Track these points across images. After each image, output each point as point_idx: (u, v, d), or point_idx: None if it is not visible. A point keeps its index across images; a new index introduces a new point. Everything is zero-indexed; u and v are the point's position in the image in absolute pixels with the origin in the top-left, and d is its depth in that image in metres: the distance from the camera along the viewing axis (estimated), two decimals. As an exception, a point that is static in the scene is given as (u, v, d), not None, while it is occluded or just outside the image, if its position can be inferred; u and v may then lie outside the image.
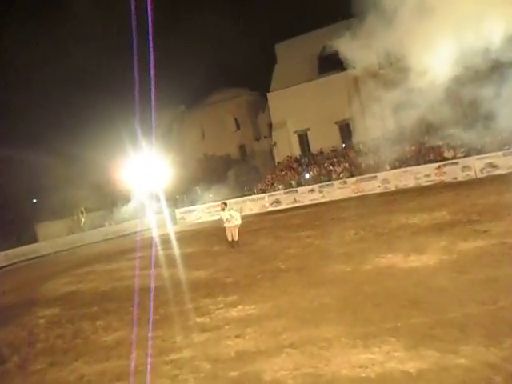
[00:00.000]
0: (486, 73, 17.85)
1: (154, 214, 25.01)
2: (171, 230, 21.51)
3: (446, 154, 20.85)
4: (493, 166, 18.52)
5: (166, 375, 4.59)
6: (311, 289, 6.68)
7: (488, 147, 19.55)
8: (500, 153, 18.63)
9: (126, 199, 28.78)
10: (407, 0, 13.45)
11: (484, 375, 3.50)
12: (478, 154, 19.39)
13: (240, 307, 6.47)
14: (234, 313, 6.28)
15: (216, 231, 18.23)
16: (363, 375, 3.87)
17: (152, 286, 8.71)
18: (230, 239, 11.96)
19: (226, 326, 5.73)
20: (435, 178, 19.61)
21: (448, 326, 4.44)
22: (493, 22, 11.96)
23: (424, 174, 20.03)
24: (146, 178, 25.29)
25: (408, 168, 20.81)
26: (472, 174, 18.85)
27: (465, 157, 19.82)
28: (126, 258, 14.58)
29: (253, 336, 5.23)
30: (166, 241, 16.83)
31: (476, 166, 18.97)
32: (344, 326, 4.94)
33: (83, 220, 30.26)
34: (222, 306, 6.71)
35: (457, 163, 19.54)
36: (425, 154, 21.72)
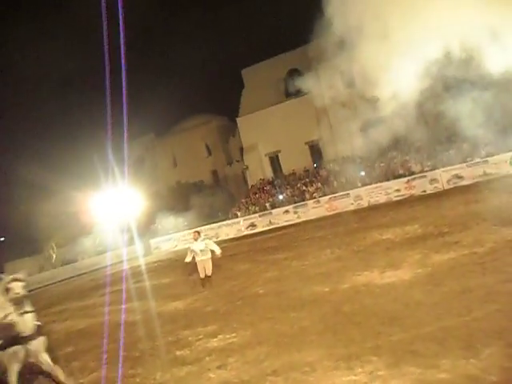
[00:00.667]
0: (446, 88, 18.68)
1: (127, 246, 24.52)
2: (144, 261, 21.09)
3: (414, 168, 21.43)
4: (458, 177, 19.13)
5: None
6: (291, 312, 6.63)
7: (453, 159, 20.24)
8: (464, 164, 19.30)
9: (98, 231, 28.15)
10: (366, 25, 13.98)
11: (465, 388, 3.53)
12: (443, 166, 20.01)
13: (220, 336, 6.35)
14: (214, 343, 6.15)
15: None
16: (348, 398, 3.84)
17: (128, 320, 8.47)
18: (202, 276, 9.96)
19: (207, 358, 5.60)
20: (405, 192, 20.07)
21: (427, 340, 4.47)
22: (452, 38, 12.59)
23: (394, 188, 20.47)
24: (118, 209, 24.90)
25: (379, 184, 21.24)
26: (440, 186, 19.40)
27: (432, 170, 20.41)
28: (100, 294, 14.15)
29: (235, 366, 5.12)
30: (141, 272, 16.45)
31: (443, 178, 19.55)
32: (325, 349, 4.91)
33: (54, 256, 29.37)
34: (201, 336, 6.57)
35: (425, 176, 20.09)
36: (394, 169, 22.27)
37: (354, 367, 4.33)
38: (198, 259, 9.95)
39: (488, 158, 18.75)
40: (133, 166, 34.53)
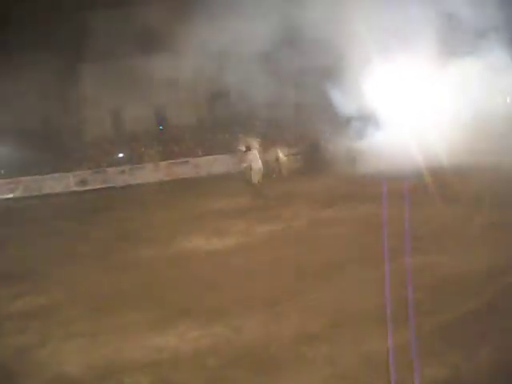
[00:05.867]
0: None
1: None
2: None
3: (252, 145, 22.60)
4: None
5: None
6: (112, 274, 6.42)
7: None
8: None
9: None
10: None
11: (263, 344, 3.92)
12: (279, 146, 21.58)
13: (28, 298, 5.80)
14: (19, 305, 5.59)
15: (4, 212, 16.00)
16: (157, 358, 3.90)
17: None
18: None
19: (8, 322, 5.06)
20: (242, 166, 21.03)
21: (237, 303, 4.83)
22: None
23: (233, 161, 21.30)
24: None
25: (220, 155, 21.83)
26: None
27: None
28: None
29: (39, 329, 4.74)
30: None
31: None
32: (141, 312, 4.89)
33: None
34: (4, 297, 5.90)
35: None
36: (235, 143, 23.13)
37: (167, 329, 4.42)
38: None
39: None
40: None
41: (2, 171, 24.27)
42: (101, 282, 6.13)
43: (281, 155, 16.18)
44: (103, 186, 21.04)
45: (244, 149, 14.19)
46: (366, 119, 16.71)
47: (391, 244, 6.04)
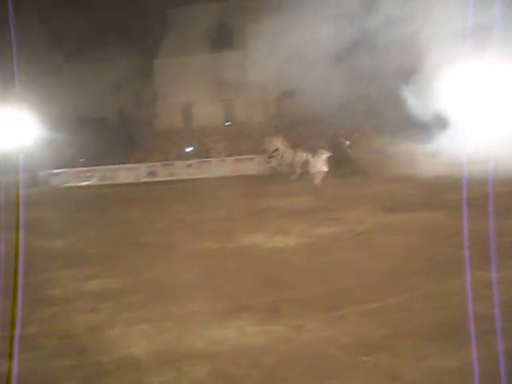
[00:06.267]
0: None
1: (10, 173, 22.29)
2: (29, 193, 19.51)
3: (343, 144, 22.28)
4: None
5: (4, 353, 4.16)
6: (176, 264, 6.66)
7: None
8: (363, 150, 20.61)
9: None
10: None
11: (321, 348, 3.88)
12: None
13: (98, 280, 6.17)
14: (91, 286, 5.96)
15: (84, 198, 17.12)
16: (216, 349, 3.99)
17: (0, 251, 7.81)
18: None
19: (80, 300, 5.41)
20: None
21: (296, 303, 4.81)
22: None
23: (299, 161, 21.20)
24: (6, 131, 22.41)
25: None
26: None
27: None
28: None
29: (108, 311, 5.03)
30: (23, 203, 15.16)
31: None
32: (203, 302, 5.03)
33: None
34: (78, 278, 6.32)
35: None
36: (301, 142, 23.02)
37: (226, 322, 4.50)
38: None
39: (383, 147, 20.24)
40: (31, 88, 31.04)
41: (82, 160, 26.02)
42: (165, 272, 6.37)
43: (310, 157, 16.00)
44: (171, 178, 21.90)
45: (271, 149, 15.06)
46: (441, 122, 15.93)
47: (461, 256, 5.74)
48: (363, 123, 22.21)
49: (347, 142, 18.83)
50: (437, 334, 3.96)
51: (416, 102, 15.80)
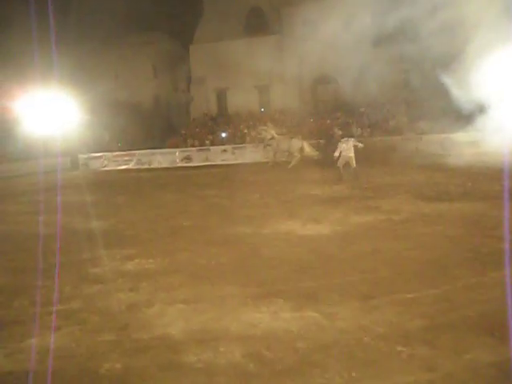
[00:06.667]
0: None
1: (52, 157, 23.17)
2: (69, 176, 20.24)
3: (354, 132, 22.02)
4: (392, 148, 20.00)
5: (49, 326, 4.39)
6: (211, 247, 6.77)
7: (390, 131, 21.08)
8: (399, 137, 20.17)
9: (21, 136, 26.14)
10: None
11: (355, 336, 3.87)
12: (381, 135, 20.78)
13: (137, 261, 6.36)
14: (130, 266, 6.16)
15: (122, 181, 17.58)
16: (250, 332, 4.06)
17: (44, 233, 8.18)
18: None
19: (120, 279, 5.61)
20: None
21: (331, 290, 4.81)
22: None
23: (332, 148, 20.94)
24: (48, 116, 23.20)
25: (317, 140, 21.60)
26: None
27: (370, 136, 21.13)
28: (15, 201, 13.43)
29: (147, 290, 5.19)
30: (64, 186, 15.78)
31: (378, 146, 20.33)
32: (238, 286, 5.11)
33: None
34: (118, 258, 6.54)
35: (361, 141, 20.72)
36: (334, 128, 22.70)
37: (260, 306, 4.56)
38: None
39: (422, 136, 19.74)
40: (69, 72, 31.92)
41: (120, 144, 26.67)
42: (201, 254, 6.49)
43: (305, 145, 17.14)
44: (206, 163, 22.13)
45: (267, 137, 15.88)
46: (483, 110, 15.28)
47: (503, 248, 5.56)
48: (401, 111, 21.64)
49: (340, 133, 19.04)
50: (476, 327, 3.87)
51: (457, 90, 15.22)
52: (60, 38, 19.61)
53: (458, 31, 14.73)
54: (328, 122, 23.34)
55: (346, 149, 12.65)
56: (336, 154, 12.75)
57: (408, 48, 17.82)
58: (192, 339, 3.99)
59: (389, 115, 22.33)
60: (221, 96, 30.16)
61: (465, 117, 16.35)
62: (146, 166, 22.75)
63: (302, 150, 17.05)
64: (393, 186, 11.24)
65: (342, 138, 13.45)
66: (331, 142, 18.81)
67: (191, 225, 8.51)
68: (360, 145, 12.88)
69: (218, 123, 27.09)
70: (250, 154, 21.86)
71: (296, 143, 17.15)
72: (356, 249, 6.30)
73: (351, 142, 12.88)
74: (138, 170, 21.74)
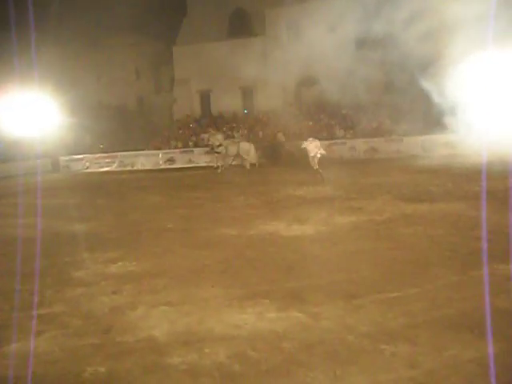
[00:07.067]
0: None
1: (32, 159, 22.76)
2: (50, 178, 19.92)
3: (337, 134, 22.24)
4: (374, 149, 20.29)
5: (31, 331, 4.32)
6: (195, 250, 6.76)
7: (373, 132, 21.35)
8: (382, 139, 20.47)
9: (2, 138, 25.60)
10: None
11: (340, 335, 3.91)
12: (363, 136, 21.03)
13: (120, 263, 6.30)
14: (113, 269, 6.10)
15: (102, 184, 17.37)
16: (235, 333, 4.07)
17: (24, 236, 8.04)
18: None
19: (103, 282, 5.55)
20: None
21: (316, 290, 4.85)
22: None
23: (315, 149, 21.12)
24: (28, 118, 22.79)
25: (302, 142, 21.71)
26: (356, 155, 20.44)
27: (352, 138, 21.37)
28: (-5, 204, 13.15)
29: (130, 293, 5.15)
30: (44, 189, 15.52)
31: (360, 148, 20.60)
32: (222, 288, 5.11)
33: None
34: (101, 261, 6.47)
35: (345, 143, 20.99)
36: (319, 130, 22.88)
37: (245, 307, 4.57)
38: None
39: (403, 138, 20.05)
40: (49, 74, 31.43)
41: (102, 146, 26.36)
42: (185, 256, 6.47)
43: (252, 148, 18.26)
44: (189, 165, 22.04)
45: (215, 143, 16.56)
46: (461, 112, 15.63)
47: (481, 248, 5.69)
48: (383, 113, 21.92)
49: (283, 139, 20.42)
50: (456, 325, 3.95)
51: (436, 93, 15.54)
52: (41, 38, 19.34)
53: (438, 35, 15.03)
54: (311, 123, 23.51)
55: (313, 148, 13.01)
56: (312, 154, 13.02)
57: (390, 51, 18.08)
58: (176, 341, 3.97)
59: (372, 117, 22.60)
60: (204, 97, 30.05)
61: (443, 119, 16.70)
62: (128, 168, 22.55)
63: (249, 152, 17.92)
64: (375, 187, 11.39)
65: (307, 139, 13.77)
66: (275, 147, 20.24)
67: (175, 227, 8.47)
68: (322, 152, 13.20)
69: (202, 125, 26.99)
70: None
71: (244, 146, 18.07)
72: (340, 249, 6.37)
73: (317, 141, 13.27)
74: (121, 172, 21.53)
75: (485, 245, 5.79)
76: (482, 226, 6.61)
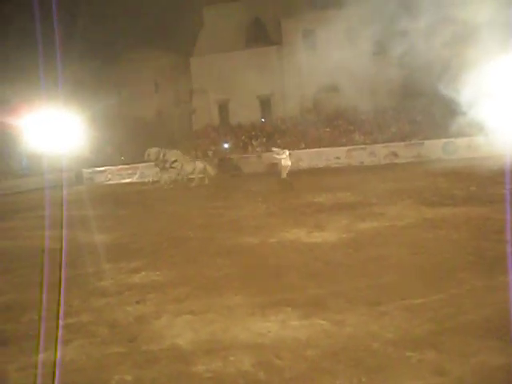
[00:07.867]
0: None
1: (57, 172, 23.34)
2: (74, 191, 20.36)
3: (356, 139, 22.13)
4: (394, 154, 20.09)
5: (59, 340, 4.42)
6: (218, 258, 6.80)
7: (393, 137, 21.17)
8: (402, 143, 20.26)
9: (27, 152, 26.36)
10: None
11: (364, 342, 3.88)
12: (383, 142, 20.87)
13: (143, 273, 6.39)
14: (136, 279, 6.19)
15: (124, 195, 17.66)
16: (259, 341, 4.08)
17: (50, 247, 8.24)
18: None
19: (127, 292, 5.64)
20: (344, 161, 20.76)
21: (338, 297, 4.82)
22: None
23: (334, 155, 21.09)
24: (52, 133, 23.41)
25: (321, 149, 21.71)
26: (376, 160, 20.28)
27: (372, 144, 21.23)
28: (21, 217, 13.52)
29: (154, 302, 5.22)
30: (69, 201, 15.87)
31: (380, 153, 20.43)
32: (245, 296, 5.13)
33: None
34: (124, 271, 6.57)
35: (364, 148, 20.86)
36: (337, 136, 22.83)
37: (268, 315, 4.57)
38: None
39: (424, 141, 19.81)
40: (73, 89, 32.27)
41: (123, 158, 26.83)
42: (207, 265, 6.52)
43: (207, 166, 18.72)
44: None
45: (171, 160, 18.39)
46: (484, 115, 15.35)
47: (507, 252, 5.56)
48: (402, 117, 21.73)
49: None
50: (483, 330, 3.87)
51: (457, 95, 15.33)
52: (65, 56, 19.92)
53: (458, 39, 14.90)
54: (328, 129, 23.46)
55: (284, 158, 13.69)
56: (285, 163, 13.64)
57: (409, 55, 17.96)
58: (200, 349, 4.00)
59: (391, 121, 22.43)
60: (222, 107, 30.33)
61: (465, 122, 16.42)
62: (148, 179, 22.82)
63: (205, 170, 18.37)
64: (396, 192, 11.26)
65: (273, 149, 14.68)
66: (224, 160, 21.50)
67: (197, 236, 8.54)
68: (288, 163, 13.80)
69: (220, 134, 27.23)
70: (253, 164, 21.94)
71: (199, 165, 18.58)
72: (362, 255, 6.32)
73: (287, 152, 13.94)
74: (142, 183, 21.85)
75: (511, 249, 5.67)
76: (507, 230, 6.46)
